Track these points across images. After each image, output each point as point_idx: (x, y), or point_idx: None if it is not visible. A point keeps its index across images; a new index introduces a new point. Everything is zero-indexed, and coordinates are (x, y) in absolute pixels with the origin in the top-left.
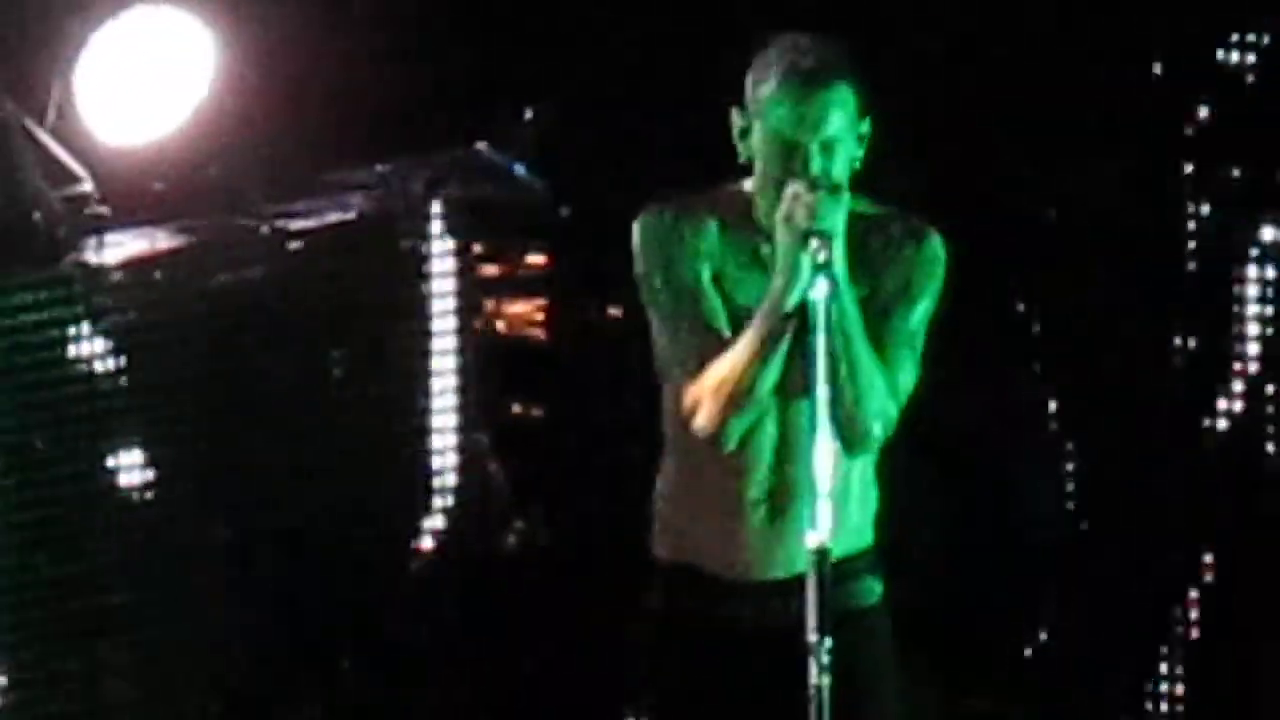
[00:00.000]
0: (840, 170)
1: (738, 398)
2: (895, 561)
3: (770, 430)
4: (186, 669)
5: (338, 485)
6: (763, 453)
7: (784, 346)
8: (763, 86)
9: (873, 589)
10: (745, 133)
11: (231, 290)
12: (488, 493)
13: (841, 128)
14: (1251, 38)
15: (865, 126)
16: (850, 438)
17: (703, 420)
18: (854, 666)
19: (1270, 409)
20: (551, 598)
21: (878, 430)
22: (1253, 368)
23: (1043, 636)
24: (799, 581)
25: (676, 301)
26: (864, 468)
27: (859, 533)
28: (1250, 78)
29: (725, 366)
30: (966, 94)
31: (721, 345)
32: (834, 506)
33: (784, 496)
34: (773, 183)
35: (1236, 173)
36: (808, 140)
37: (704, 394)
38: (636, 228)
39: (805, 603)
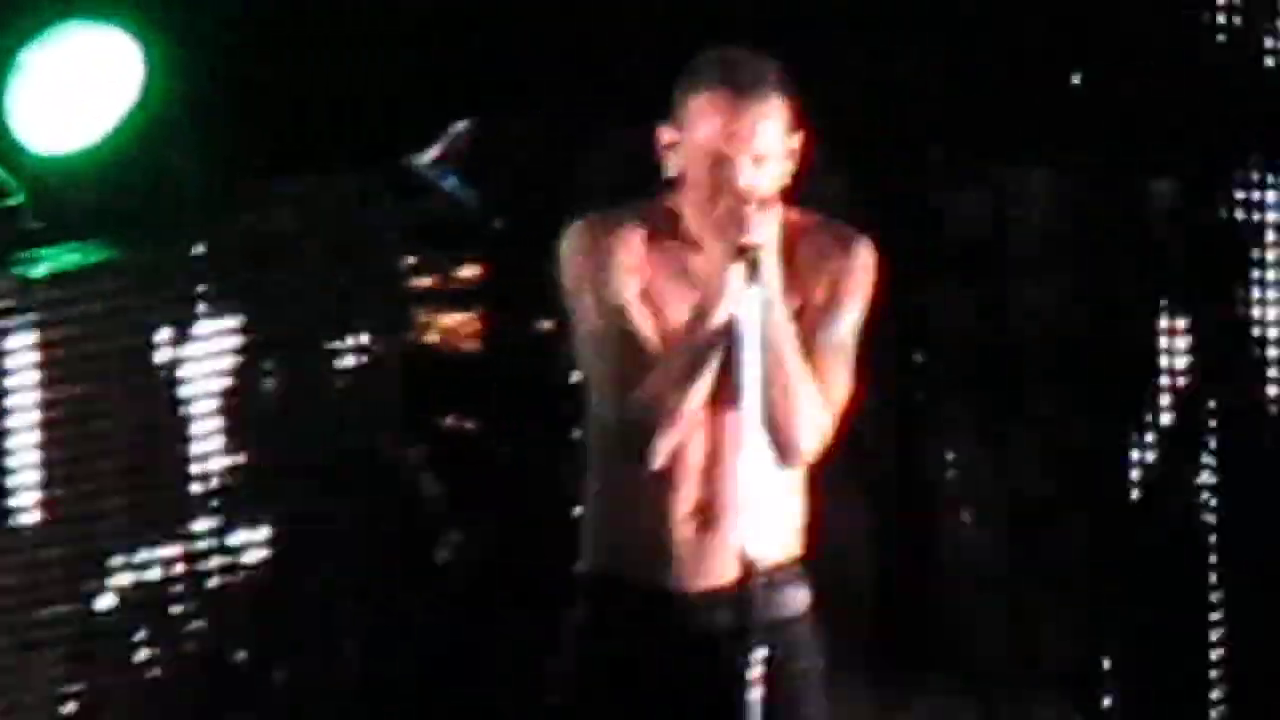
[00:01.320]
0: (770, 183)
1: (667, 413)
2: (822, 571)
3: (700, 443)
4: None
5: (271, 497)
6: (692, 466)
7: (714, 360)
8: (693, 99)
9: (799, 598)
10: (673, 147)
11: (161, 304)
12: (422, 505)
13: (772, 141)
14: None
15: (795, 141)
16: (783, 450)
17: (632, 435)
18: (782, 676)
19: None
20: (485, 609)
21: (811, 442)
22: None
23: (978, 643)
24: (727, 592)
25: (605, 316)
26: (790, 477)
27: (785, 543)
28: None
29: (655, 382)
30: (893, 101)
31: (651, 360)
32: (762, 518)
33: (713, 509)
34: (702, 196)
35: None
36: (739, 153)
37: (633, 409)
38: (565, 243)
39: (734, 613)
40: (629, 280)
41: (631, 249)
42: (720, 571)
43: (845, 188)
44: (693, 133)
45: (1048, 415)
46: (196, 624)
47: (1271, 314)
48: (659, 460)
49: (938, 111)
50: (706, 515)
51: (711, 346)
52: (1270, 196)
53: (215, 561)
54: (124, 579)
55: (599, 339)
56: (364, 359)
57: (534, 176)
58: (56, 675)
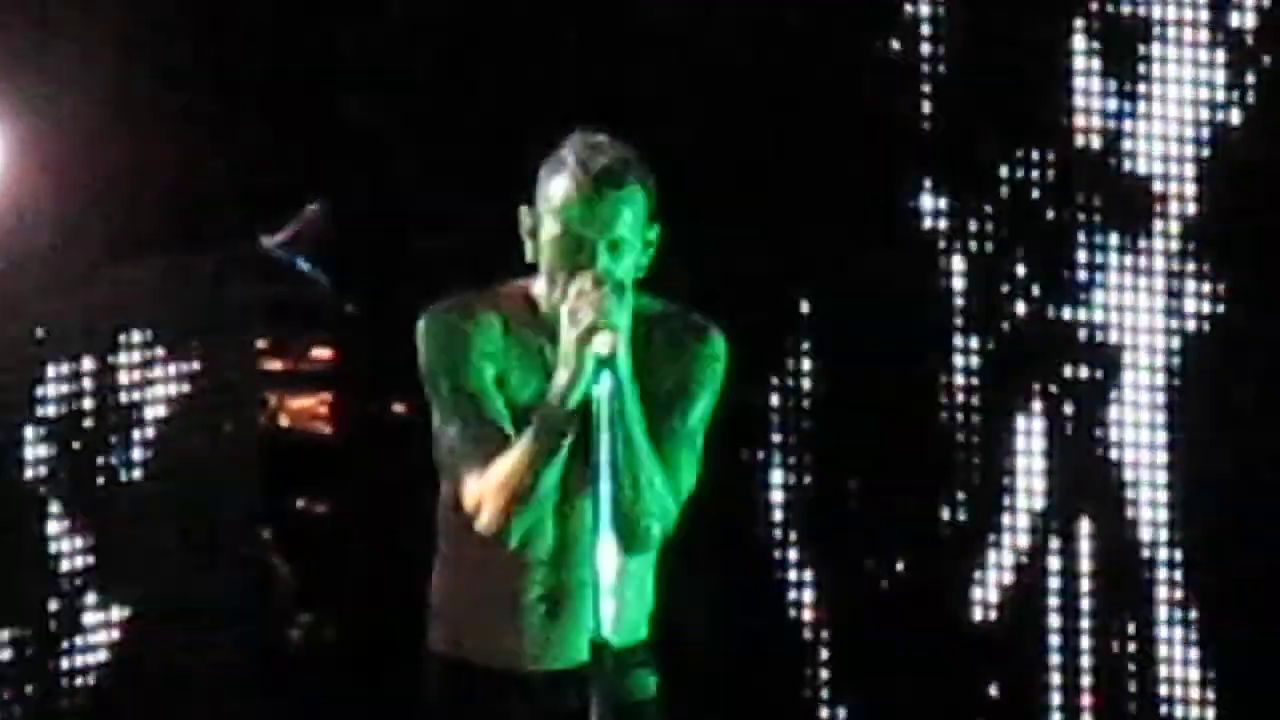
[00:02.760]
0: (625, 271)
1: (520, 495)
2: (669, 656)
3: (550, 527)
4: None
5: (122, 579)
6: (542, 549)
7: (566, 444)
8: (553, 183)
9: (648, 683)
10: (533, 231)
11: (13, 385)
12: (272, 588)
13: (630, 228)
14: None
15: (653, 232)
16: (629, 537)
17: (485, 518)
18: None
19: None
20: (337, 694)
21: (657, 529)
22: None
23: None
24: (576, 674)
25: (460, 400)
26: (641, 563)
27: (635, 627)
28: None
29: (507, 464)
30: (747, 188)
31: (504, 443)
32: (612, 602)
33: (563, 592)
34: (559, 279)
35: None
36: (596, 238)
37: (486, 492)
38: (420, 326)
39: (582, 696)
40: (485, 365)
41: (488, 334)
42: (569, 654)
43: (693, 276)
44: (552, 215)
45: (901, 505)
46: (47, 706)
47: (1127, 418)
48: (513, 542)
49: (793, 196)
50: (556, 598)
51: (564, 429)
52: (1128, 297)
53: (66, 643)
54: None
55: (454, 421)
56: (215, 440)
57: (386, 258)
58: None
